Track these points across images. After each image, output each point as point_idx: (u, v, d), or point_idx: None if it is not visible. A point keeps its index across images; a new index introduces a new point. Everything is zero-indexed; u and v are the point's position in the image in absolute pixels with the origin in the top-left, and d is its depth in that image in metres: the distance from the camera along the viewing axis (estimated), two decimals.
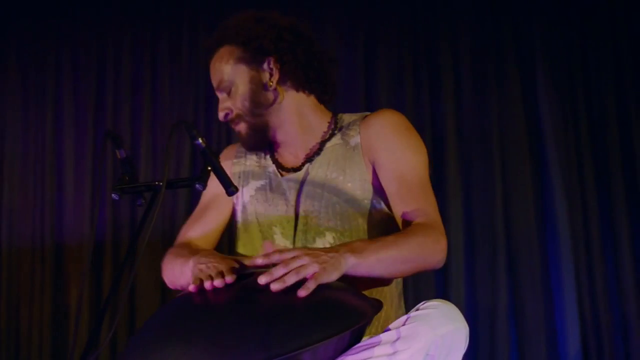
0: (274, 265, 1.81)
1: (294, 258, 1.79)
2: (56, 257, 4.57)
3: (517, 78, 4.41)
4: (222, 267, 1.92)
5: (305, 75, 2.25)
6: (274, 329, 1.67)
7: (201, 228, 2.34)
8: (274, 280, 1.75)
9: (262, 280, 1.76)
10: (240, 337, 1.67)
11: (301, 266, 1.77)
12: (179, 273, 2.15)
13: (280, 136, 2.27)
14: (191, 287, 1.90)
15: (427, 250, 2.01)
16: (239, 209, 2.30)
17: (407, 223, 2.07)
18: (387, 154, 2.18)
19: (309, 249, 1.86)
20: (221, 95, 2.26)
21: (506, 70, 4.42)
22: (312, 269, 1.77)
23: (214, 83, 2.26)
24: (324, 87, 2.29)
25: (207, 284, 1.87)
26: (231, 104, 2.23)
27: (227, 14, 4.47)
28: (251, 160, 2.35)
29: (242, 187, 2.30)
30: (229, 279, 1.86)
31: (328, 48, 2.38)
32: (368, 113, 2.30)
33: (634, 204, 4.20)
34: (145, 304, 4.40)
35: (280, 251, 1.83)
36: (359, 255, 1.87)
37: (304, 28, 2.28)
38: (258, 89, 2.21)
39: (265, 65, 2.21)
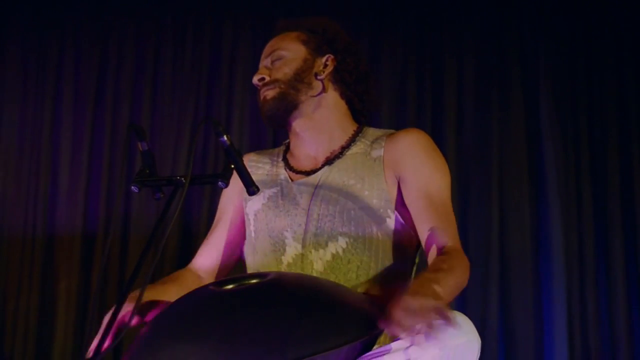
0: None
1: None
2: (46, 248, 4.53)
3: (521, 100, 4.43)
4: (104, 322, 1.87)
5: (353, 85, 2.35)
6: (286, 332, 1.67)
7: (209, 252, 2.38)
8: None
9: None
10: (252, 338, 1.67)
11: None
12: None
13: (303, 128, 2.32)
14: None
15: (467, 274, 2.05)
16: (251, 217, 2.30)
17: (433, 243, 2.10)
18: (415, 171, 2.20)
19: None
20: (265, 63, 2.34)
21: (509, 91, 4.44)
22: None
23: (266, 52, 2.35)
24: (362, 103, 2.38)
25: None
26: (270, 73, 2.31)
27: (231, 6, 4.56)
28: (263, 170, 2.37)
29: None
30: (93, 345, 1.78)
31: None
32: (393, 130, 2.35)
33: (630, 229, 4.24)
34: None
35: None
36: (443, 300, 1.77)
37: (362, 50, 2.46)
38: (307, 69, 2.31)
39: (323, 59, 2.33)
